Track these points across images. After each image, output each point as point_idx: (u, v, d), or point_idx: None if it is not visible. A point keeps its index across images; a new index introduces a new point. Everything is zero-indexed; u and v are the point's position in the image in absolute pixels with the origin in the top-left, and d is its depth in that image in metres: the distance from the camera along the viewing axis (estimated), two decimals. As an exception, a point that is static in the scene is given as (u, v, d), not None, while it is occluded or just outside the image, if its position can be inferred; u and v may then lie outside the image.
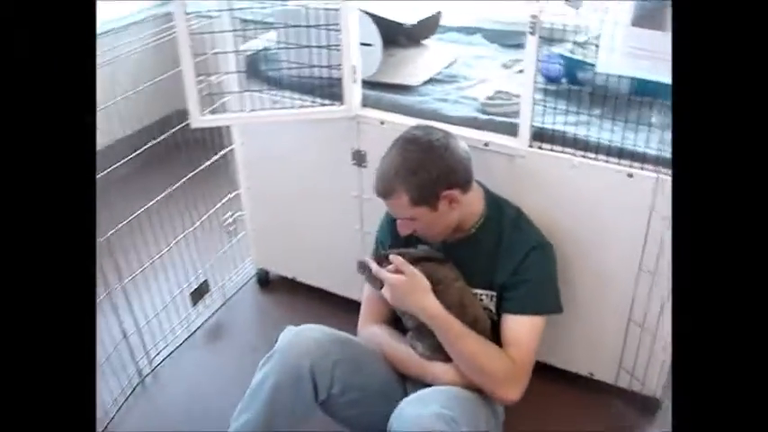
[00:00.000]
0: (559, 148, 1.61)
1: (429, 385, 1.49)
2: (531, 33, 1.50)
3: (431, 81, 1.93)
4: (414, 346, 1.55)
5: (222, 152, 2.16)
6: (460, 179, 1.47)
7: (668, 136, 1.56)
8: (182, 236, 2.06)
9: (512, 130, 1.67)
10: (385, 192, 1.48)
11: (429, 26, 2.10)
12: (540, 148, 1.63)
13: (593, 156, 1.58)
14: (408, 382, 1.56)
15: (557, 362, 1.86)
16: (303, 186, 2.03)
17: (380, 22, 1.81)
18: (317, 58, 1.78)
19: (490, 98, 1.78)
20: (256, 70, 1.99)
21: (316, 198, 2.03)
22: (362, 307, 1.69)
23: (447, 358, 1.49)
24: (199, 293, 2.14)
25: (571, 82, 1.89)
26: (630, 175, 1.55)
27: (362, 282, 1.99)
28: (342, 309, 2.15)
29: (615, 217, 1.61)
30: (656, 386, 1.75)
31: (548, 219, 1.60)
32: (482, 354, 1.46)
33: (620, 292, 1.68)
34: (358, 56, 1.73)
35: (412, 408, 1.33)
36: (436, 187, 1.44)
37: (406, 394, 1.47)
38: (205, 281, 2.16)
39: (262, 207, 2.17)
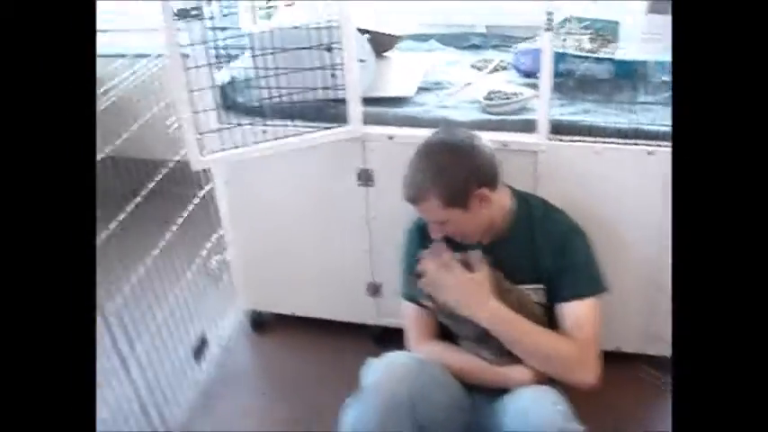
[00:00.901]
0: (578, 138, 1.66)
1: (497, 391, 1.48)
2: (547, 30, 1.54)
3: (419, 90, 1.91)
4: (479, 354, 1.53)
5: (201, 193, 2.01)
6: (489, 177, 1.48)
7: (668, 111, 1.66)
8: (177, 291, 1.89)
9: (525, 126, 1.71)
10: (416, 197, 1.46)
11: (393, 37, 2.09)
12: (560, 140, 1.67)
13: (612, 140, 1.64)
14: (475, 392, 1.54)
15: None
16: (302, 214, 1.94)
17: (373, 36, 1.77)
18: (310, 81, 1.71)
19: (489, 99, 1.80)
20: (233, 102, 1.87)
21: (317, 224, 1.95)
22: (410, 327, 1.65)
23: (513, 360, 1.50)
24: (200, 349, 1.97)
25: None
26: (651, 153, 1.63)
27: (378, 304, 1.95)
28: (349, 336, 2.09)
29: (639, 195, 1.69)
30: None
31: (573, 207, 1.63)
32: (550, 345, 1.47)
33: (646, 263, 1.76)
34: (359, 73, 1.68)
35: (535, 406, 1.31)
36: (467, 187, 1.44)
37: (474, 404, 1.45)
38: (203, 336, 2.00)
39: (251, 244, 2.04)
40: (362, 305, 2.04)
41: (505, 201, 1.55)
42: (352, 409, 1.37)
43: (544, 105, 1.63)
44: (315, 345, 2.11)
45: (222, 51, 1.82)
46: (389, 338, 2.08)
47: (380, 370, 1.38)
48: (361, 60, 1.76)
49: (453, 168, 1.44)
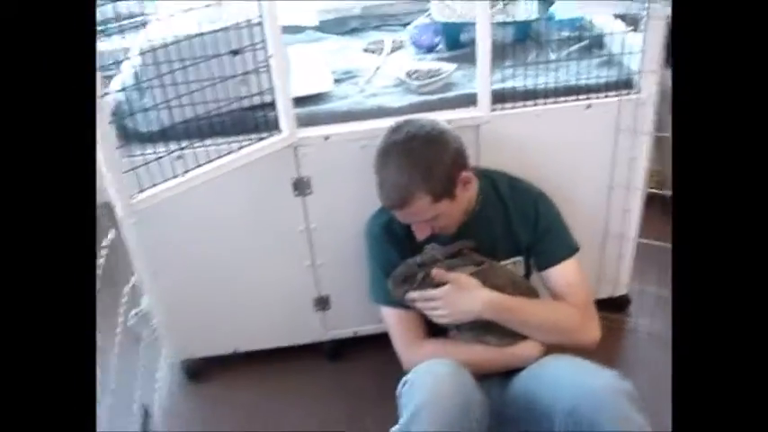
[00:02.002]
0: (520, 104, 1.64)
1: (507, 374, 1.47)
2: (482, -1, 1.49)
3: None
4: (486, 342, 1.48)
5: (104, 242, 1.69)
6: (465, 158, 1.44)
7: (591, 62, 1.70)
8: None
9: (463, 101, 1.65)
10: (403, 201, 1.37)
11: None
12: (502, 109, 1.63)
13: (551, 101, 1.64)
14: (484, 381, 1.49)
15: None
16: (232, 241, 1.72)
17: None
18: (219, 92, 1.50)
19: (415, 80, 1.72)
20: (125, 130, 1.58)
21: (251, 249, 1.74)
22: (397, 332, 1.55)
23: (517, 338, 1.47)
24: (145, 423, 1.69)
25: (452, 47, 1.92)
26: (589, 107, 1.66)
27: (326, 318, 1.81)
28: (300, 360, 1.92)
29: (580, 148, 1.72)
30: (626, 285, 1.95)
31: (524, 172, 1.62)
32: (554, 316, 1.48)
33: (594, 212, 1.81)
34: (288, 74, 1.51)
35: (593, 380, 1.27)
36: (453, 175, 1.39)
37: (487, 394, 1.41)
38: (145, 406, 1.71)
39: (173, 287, 1.76)
40: (310, 323, 1.88)
41: (474, 180, 1.50)
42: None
43: (485, 77, 1.58)
44: (264, 378, 1.91)
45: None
46: (343, 352, 1.95)
47: (429, 385, 1.26)
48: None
49: (438, 160, 1.36)
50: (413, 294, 1.44)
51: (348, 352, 1.95)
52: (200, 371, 1.92)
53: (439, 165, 1.36)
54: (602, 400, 1.23)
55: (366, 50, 2.00)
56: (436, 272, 1.42)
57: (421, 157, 1.35)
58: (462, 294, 1.41)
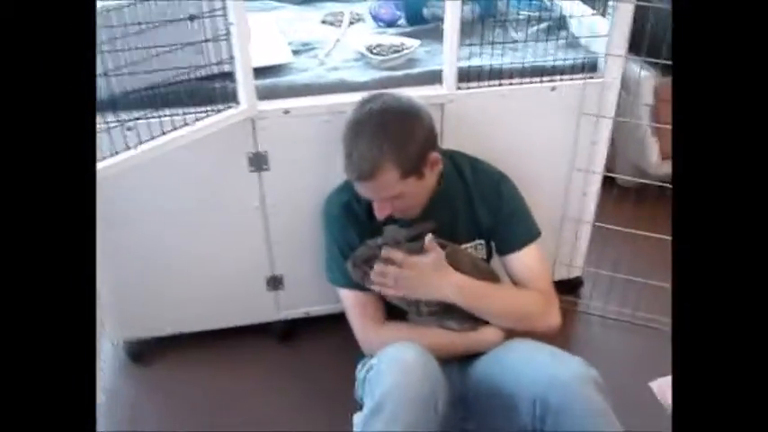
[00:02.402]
0: (485, 83, 1.60)
1: (466, 359, 1.45)
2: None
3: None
4: (447, 327, 1.46)
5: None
6: (435, 138, 1.40)
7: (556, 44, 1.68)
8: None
9: (428, 78, 1.61)
10: (371, 172, 1.31)
11: None
12: (467, 88, 1.60)
13: (518, 81, 1.62)
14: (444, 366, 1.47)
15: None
16: (182, 218, 1.63)
17: None
18: (172, 60, 1.41)
19: (376, 54, 1.66)
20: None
21: (203, 226, 1.66)
22: (356, 314, 1.50)
23: (478, 323, 1.45)
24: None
25: (413, 22, 1.87)
26: (554, 89, 1.64)
27: (278, 298, 1.75)
28: (249, 340, 1.86)
29: (544, 131, 1.71)
30: (580, 267, 1.96)
31: (486, 152, 1.60)
32: (518, 302, 1.47)
33: (554, 194, 1.80)
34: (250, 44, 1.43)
35: (561, 368, 1.26)
36: (424, 152, 1.35)
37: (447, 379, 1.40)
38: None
39: (117, 268, 1.67)
40: (262, 302, 1.81)
41: (441, 162, 1.46)
42: (374, 420, 1.20)
43: (452, 55, 1.54)
44: (213, 360, 1.84)
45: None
46: (294, 333, 1.90)
47: (396, 372, 1.22)
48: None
49: (412, 135, 1.32)
50: (377, 268, 1.38)
51: (300, 332, 1.91)
52: (144, 353, 1.83)
53: (412, 140, 1.32)
54: (571, 391, 1.23)
55: (324, 22, 1.93)
56: (428, 237, 1.38)
57: (395, 130, 1.31)
58: (434, 275, 1.38)
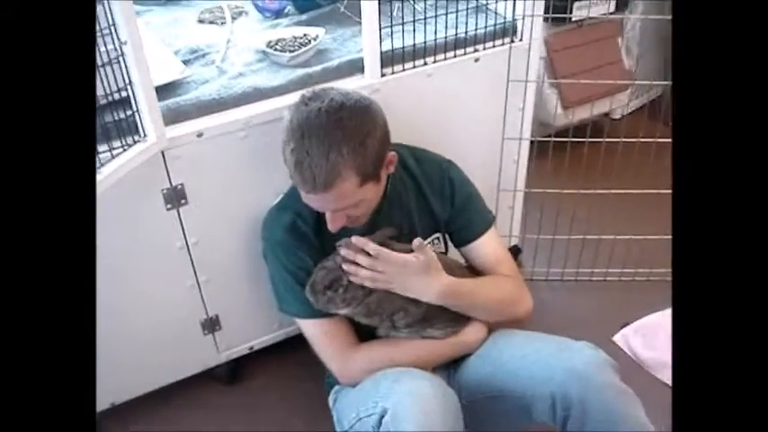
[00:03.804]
0: (409, 66, 1.47)
1: (452, 363, 1.37)
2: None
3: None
4: (429, 335, 1.34)
5: None
6: (389, 136, 1.25)
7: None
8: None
9: (346, 70, 1.45)
10: (328, 181, 1.13)
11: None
12: (392, 73, 1.46)
13: (441, 57, 1.50)
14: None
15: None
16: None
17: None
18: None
19: (282, 51, 1.47)
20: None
21: (122, 283, 1.41)
22: (326, 344, 1.34)
23: (460, 324, 1.36)
24: None
25: (304, 8, 1.69)
26: (477, 60, 1.54)
27: (217, 339, 1.57)
28: (194, 392, 1.65)
29: (470, 103, 1.61)
30: (516, 236, 1.91)
31: (417, 136, 1.46)
32: (496, 293, 1.38)
33: (486, 166, 1.72)
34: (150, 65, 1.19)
35: (573, 357, 1.19)
36: (383, 152, 1.21)
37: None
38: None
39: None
40: (200, 348, 1.60)
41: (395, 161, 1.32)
42: None
43: (372, 41, 1.38)
44: (160, 422, 1.61)
45: None
46: (240, 372, 1.71)
47: (417, 413, 1.09)
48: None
49: (370, 134, 1.15)
50: (343, 250, 1.23)
51: (247, 369, 1.72)
52: None
53: (372, 140, 1.15)
54: (591, 379, 1.16)
55: (201, 21, 1.69)
56: (379, 251, 1.21)
57: (352, 129, 1.13)
58: (421, 276, 1.23)
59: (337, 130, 1.12)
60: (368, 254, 1.21)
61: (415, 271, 1.23)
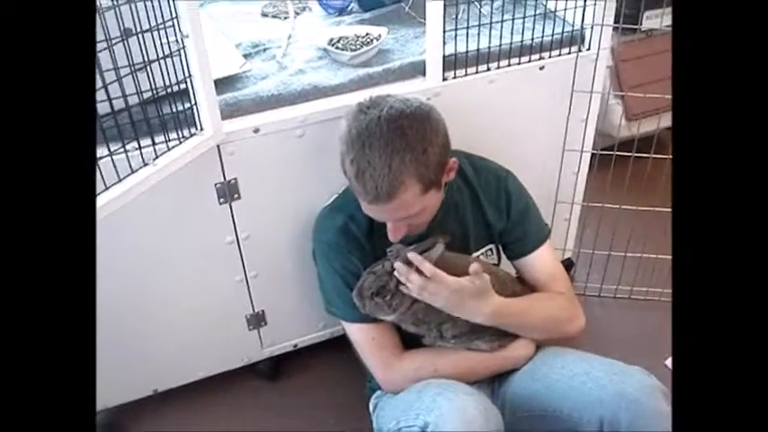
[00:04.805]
0: (472, 70, 1.44)
1: (497, 378, 1.33)
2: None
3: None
4: (476, 348, 1.31)
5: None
6: (450, 142, 1.21)
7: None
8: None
9: (409, 72, 1.43)
10: (390, 191, 1.10)
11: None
12: (454, 77, 1.42)
13: (505, 64, 1.46)
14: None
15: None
16: (146, 270, 1.39)
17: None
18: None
19: (343, 49, 1.45)
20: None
21: (170, 277, 1.42)
22: (373, 350, 1.32)
23: (508, 339, 1.32)
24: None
25: (369, 6, 1.67)
26: (542, 68, 1.50)
27: (262, 335, 1.56)
28: (236, 386, 1.66)
29: (533, 112, 1.57)
30: (570, 249, 1.86)
31: (476, 142, 1.43)
32: (548, 311, 1.34)
33: (544, 177, 1.67)
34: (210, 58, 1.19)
35: (629, 384, 1.14)
36: (444, 159, 1.17)
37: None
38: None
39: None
40: (244, 343, 1.60)
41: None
42: None
43: (436, 43, 1.35)
44: (196, 416, 1.62)
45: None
46: (282, 369, 1.71)
47: (453, 425, 1.06)
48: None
49: (432, 141, 1.12)
50: (398, 264, 1.20)
51: (289, 367, 1.71)
52: (116, 423, 1.58)
53: (434, 147, 1.12)
54: (642, 405, 1.12)
55: (265, 15, 1.69)
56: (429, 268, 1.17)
57: (413, 137, 1.10)
58: (473, 301, 1.21)
59: (399, 138, 1.09)
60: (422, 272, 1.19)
61: (469, 296, 1.20)
